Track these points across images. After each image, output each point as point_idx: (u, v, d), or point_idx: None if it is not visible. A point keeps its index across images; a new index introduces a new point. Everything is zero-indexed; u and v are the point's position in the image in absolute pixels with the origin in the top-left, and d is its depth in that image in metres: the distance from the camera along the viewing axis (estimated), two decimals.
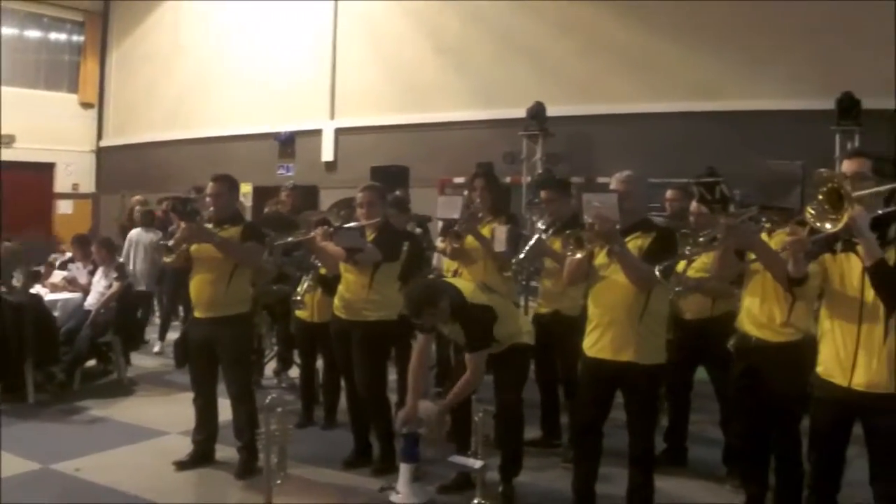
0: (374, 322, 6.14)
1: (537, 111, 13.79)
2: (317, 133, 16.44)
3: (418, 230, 8.77)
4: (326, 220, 7.07)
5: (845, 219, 3.64)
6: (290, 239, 6.92)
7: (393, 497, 5.47)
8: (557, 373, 6.83)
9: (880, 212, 3.96)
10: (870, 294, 3.86)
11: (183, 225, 6.15)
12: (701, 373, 6.59)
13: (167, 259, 6.30)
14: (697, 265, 6.00)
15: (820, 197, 3.73)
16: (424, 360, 5.80)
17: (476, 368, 5.43)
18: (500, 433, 5.59)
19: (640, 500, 5.11)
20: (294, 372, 8.56)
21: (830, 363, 4.03)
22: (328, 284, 6.76)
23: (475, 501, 5.25)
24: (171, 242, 6.14)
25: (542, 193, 7.07)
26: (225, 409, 6.35)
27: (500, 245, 6.47)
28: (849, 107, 12.25)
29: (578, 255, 4.98)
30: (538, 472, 6.15)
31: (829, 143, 11.51)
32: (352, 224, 6.29)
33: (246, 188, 15.86)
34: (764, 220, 4.82)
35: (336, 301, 6.35)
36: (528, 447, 6.39)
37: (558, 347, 6.64)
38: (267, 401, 5.11)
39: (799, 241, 3.93)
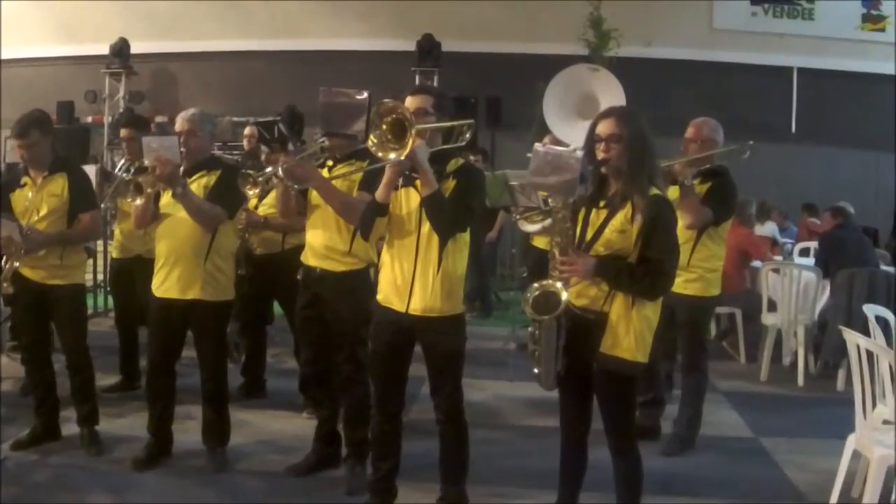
0: None
1: (121, 48, 13.33)
2: None
3: None
4: None
5: (408, 148, 3.83)
6: None
7: None
8: (139, 316, 6.67)
9: (446, 147, 4.21)
10: (426, 226, 4.08)
11: None
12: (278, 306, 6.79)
13: None
14: (268, 201, 6.09)
15: (384, 127, 3.88)
16: None
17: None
18: (73, 384, 5.42)
19: (214, 437, 5.20)
20: None
21: (389, 291, 4.22)
22: None
23: None
24: None
25: (123, 132, 6.83)
26: None
27: None
28: (429, 49, 12.96)
29: (139, 202, 4.91)
30: (118, 417, 6.02)
31: (409, 83, 11.85)
32: None
33: None
34: (327, 155, 4.94)
35: None
36: (108, 393, 6.34)
37: (142, 290, 6.47)
38: None
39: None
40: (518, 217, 7.00)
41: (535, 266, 7.34)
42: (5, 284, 5.15)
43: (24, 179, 5.31)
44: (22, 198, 5.27)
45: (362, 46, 13.03)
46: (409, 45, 12.93)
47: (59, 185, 5.24)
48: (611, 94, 6.54)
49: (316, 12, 13.24)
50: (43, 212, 5.20)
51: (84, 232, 5.38)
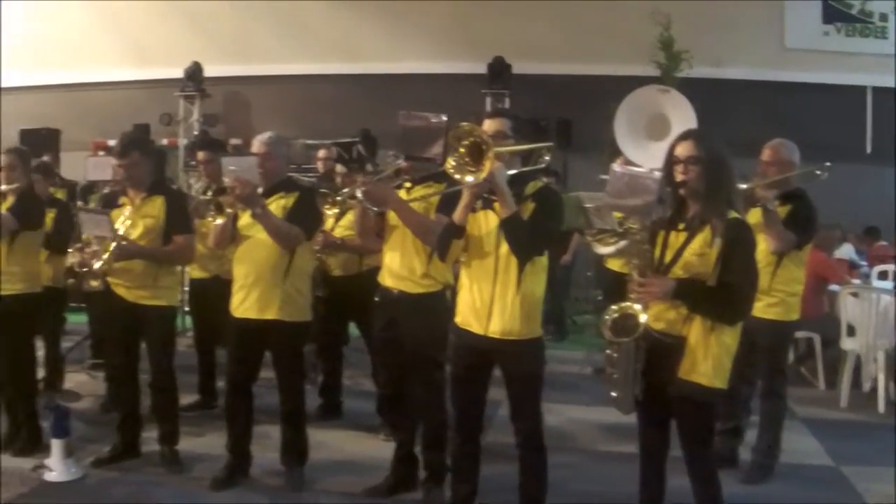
0: (14, 297, 5.63)
1: (194, 71, 13.54)
2: None
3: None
4: None
5: (486, 171, 3.82)
6: None
7: (47, 475, 5.23)
8: (217, 336, 6.75)
9: (525, 170, 4.23)
10: (504, 248, 4.07)
11: None
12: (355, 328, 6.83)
13: None
14: (344, 223, 6.15)
15: (461, 150, 3.89)
16: None
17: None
18: (156, 403, 5.52)
19: (292, 456, 5.25)
20: None
21: (468, 313, 4.22)
22: None
23: None
24: None
25: (199, 155, 6.96)
26: None
27: None
28: (499, 71, 12.94)
29: (220, 221, 5.00)
30: (197, 436, 6.09)
31: (480, 106, 11.93)
32: None
33: None
34: (405, 177, 4.99)
35: None
36: (187, 412, 6.34)
37: (220, 310, 6.55)
38: None
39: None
40: (590, 239, 6.95)
41: (609, 289, 7.27)
42: (95, 283, 5.26)
43: (122, 199, 5.43)
44: (118, 216, 5.36)
45: (432, 69, 13.04)
46: (480, 68, 12.92)
47: (157, 206, 5.35)
48: (682, 115, 6.47)
49: (385, 35, 13.31)
50: (139, 231, 5.31)
51: (177, 253, 5.46)
